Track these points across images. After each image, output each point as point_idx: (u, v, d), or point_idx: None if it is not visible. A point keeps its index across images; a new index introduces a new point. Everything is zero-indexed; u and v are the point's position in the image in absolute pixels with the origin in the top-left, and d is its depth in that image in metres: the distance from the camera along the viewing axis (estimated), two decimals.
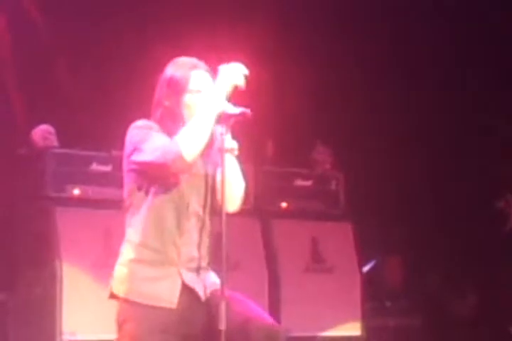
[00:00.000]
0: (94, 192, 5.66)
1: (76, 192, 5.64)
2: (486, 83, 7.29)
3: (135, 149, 3.76)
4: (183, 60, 3.83)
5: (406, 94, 7.36)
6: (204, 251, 3.86)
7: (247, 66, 3.62)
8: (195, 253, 3.78)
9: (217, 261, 3.72)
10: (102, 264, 5.11)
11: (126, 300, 3.73)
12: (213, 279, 3.76)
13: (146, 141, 3.74)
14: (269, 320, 3.82)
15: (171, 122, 3.74)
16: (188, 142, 3.71)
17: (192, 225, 3.90)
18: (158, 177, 3.79)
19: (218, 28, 6.59)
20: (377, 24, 7.27)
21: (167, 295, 3.75)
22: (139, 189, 3.82)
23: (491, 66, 7.33)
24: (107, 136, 5.14)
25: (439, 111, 7.26)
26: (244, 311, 3.79)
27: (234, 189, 3.86)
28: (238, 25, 6.71)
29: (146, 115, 3.76)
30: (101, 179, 5.59)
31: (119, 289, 3.78)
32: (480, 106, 7.23)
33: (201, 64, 3.80)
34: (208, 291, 3.73)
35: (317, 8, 7.12)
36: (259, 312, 3.87)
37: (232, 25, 6.72)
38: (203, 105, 3.80)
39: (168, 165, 3.71)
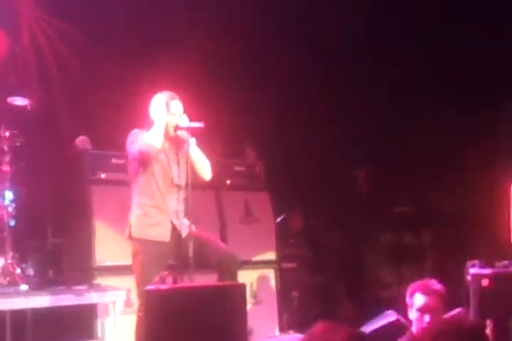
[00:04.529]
0: (113, 176, 6.37)
1: (103, 176, 6.43)
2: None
3: (131, 145, 4.88)
4: (166, 93, 4.98)
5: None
6: (182, 206, 4.87)
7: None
8: (178, 208, 4.84)
9: (187, 215, 4.88)
10: (119, 219, 5.58)
11: (137, 239, 4.84)
12: (187, 224, 4.91)
13: (135, 141, 4.85)
14: (227, 247, 5.07)
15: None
16: (152, 138, 4.81)
17: (174, 191, 4.91)
18: (145, 159, 4.77)
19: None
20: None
21: (163, 233, 4.82)
22: (138, 170, 4.89)
23: None
24: (120, 140, 5.17)
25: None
26: (209, 242, 4.89)
27: (204, 165, 4.94)
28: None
29: (139, 126, 4.96)
30: (118, 168, 6.28)
31: (133, 232, 4.86)
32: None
33: (176, 96, 4.97)
34: (185, 232, 4.80)
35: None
36: (219, 243, 5.11)
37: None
38: (158, 121, 4.78)
39: (145, 150, 4.78)
